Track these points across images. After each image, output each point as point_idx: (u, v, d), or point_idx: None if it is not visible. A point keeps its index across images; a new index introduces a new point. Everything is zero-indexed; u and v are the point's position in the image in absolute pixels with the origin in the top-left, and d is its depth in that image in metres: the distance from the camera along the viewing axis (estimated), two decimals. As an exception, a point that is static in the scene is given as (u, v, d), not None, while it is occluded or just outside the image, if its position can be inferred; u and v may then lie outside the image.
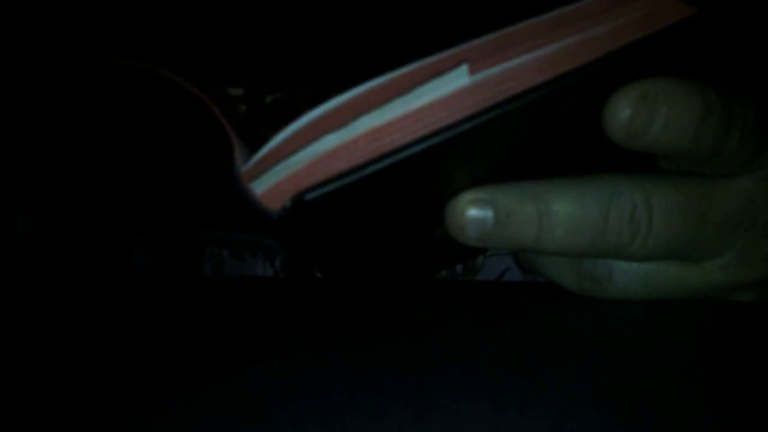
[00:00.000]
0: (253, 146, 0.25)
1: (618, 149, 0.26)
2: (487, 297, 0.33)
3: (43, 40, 0.36)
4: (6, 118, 0.30)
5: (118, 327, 0.28)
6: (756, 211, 0.28)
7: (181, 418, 0.19)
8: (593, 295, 0.29)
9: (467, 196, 0.27)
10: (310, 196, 0.24)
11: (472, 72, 0.25)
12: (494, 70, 0.25)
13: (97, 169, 0.30)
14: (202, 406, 0.20)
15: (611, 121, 0.26)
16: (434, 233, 0.29)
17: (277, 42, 0.36)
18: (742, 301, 0.29)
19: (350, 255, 0.29)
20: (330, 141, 0.24)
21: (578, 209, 0.27)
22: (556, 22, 0.25)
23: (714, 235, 0.28)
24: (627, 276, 0.29)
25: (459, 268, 0.37)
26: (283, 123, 0.25)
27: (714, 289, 0.29)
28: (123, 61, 0.26)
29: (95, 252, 0.37)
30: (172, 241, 0.37)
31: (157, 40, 0.36)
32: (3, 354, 0.24)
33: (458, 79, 0.24)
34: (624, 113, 0.26)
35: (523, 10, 0.25)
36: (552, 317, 0.29)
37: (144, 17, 0.36)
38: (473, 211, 0.27)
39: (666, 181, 0.28)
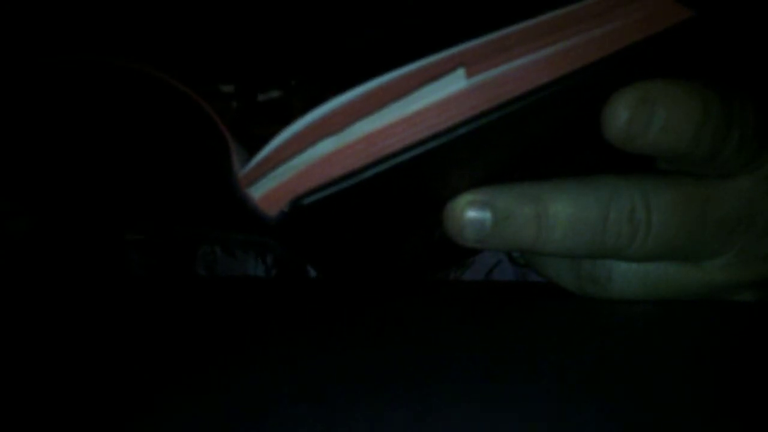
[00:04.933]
0: (246, 144, 0.25)
1: (617, 151, 0.26)
2: (485, 297, 0.33)
3: (39, 39, 0.36)
4: (6, 118, 0.30)
5: (113, 326, 0.28)
6: (755, 211, 0.28)
7: (176, 418, 0.19)
8: (593, 296, 0.29)
9: (466, 197, 0.27)
10: (307, 200, 0.24)
11: (469, 75, 0.24)
12: (492, 73, 0.25)
13: (96, 170, 0.30)
14: (197, 406, 0.20)
15: (609, 124, 0.26)
16: (433, 234, 0.29)
17: (270, 39, 0.36)
18: (742, 301, 0.29)
19: (349, 256, 0.29)
20: (326, 146, 0.24)
21: (577, 210, 0.27)
22: (554, 24, 0.25)
23: (713, 236, 0.28)
24: (626, 277, 0.29)
25: (454, 265, 0.37)
26: (276, 122, 0.25)
27: (714, 289, 0.29)
28: (123, 63, 0.26)
29: (93, 252, 0.37)
30: (169, 239, 0.37)
31: (149, 35, 0.36)
32: (2, 354, 0.25)
33: (455, 82, 0.24)
34: (622, 116, 0.25)
35: (521, 12, 0.25)
36: (551, 317, 0.29)
37: (136, 12, 0.36)
38: (472, 213, 0.27)
39: (665, 181, 0.27)
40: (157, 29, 0.35)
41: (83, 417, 0.19)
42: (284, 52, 0.36)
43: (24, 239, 0.34)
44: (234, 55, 0.36)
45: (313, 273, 0.37)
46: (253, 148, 0.25)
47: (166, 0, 0.35)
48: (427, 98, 0.24)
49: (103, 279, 0.37)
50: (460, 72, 0.24)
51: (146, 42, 0.35)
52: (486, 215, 0.27)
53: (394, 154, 0.24)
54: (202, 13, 0.35)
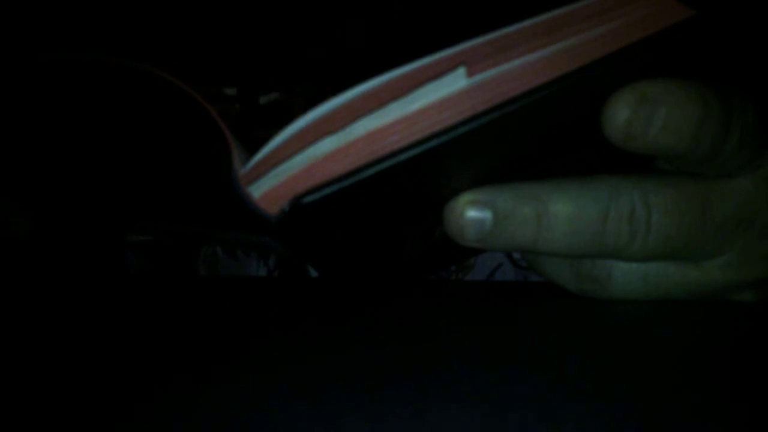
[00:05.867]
0: (247, 147, 0.25)
1: (617, 150, 0.26)
2: (485, 297, 0.33)
3: (42, 40, 0.36)
4: (6, 118, 0.30)
5: (114, 326, 0.28)
6: (755, 211, 0.28)
7: (177, 418, 0.19)
8: (593, 296, 0.29)
9: (466, 197, 0.27)
10: (308, 199, 0.24)
11: (469, 74, 0.24)
12: (492, 72, 0.25)
13: (96, 170, 0.30)
14: (197, 407, 0.20)
15: (610, 123, 0.26)
16: (434, 233, 0.29)
17: (271, 41, 0.36)
18: (742, 301, 0.29)
19: (350, 255, 0.29)
20: (327, 144, 0.24)
21: (577, 210, 0.27)
22: (555, 23, 0.25)
23: (713, 236, 0.28)
24: (626, 276, 0.29)
25: (454, 265, 0.37)
26: (277, 124, 0.25)
27: (714, 289, 0.29)
28: (123, 62, 0.26)
29: (93, 252, 0.37)
30: (169, 239, 0.37)
31: (152, 39, 0.36)
32: (2, 354, 0.25)
33: (456, 81, 0.24)
34: (622, 115, 0.25)
35: (521, 11, 0.25)
36: (551, 317, 0.29)
37: (139, 16, 0.36)
38: (472, 213, 0.27)
39: (665, 181, 0.27)
40: (162, 32, 0.35)
41: (84, 417, 0.19)
42: (286, 54, 0.36)
43: (25, 240, 0.34)
44: (237, 58, 0.36)
45: (314, 273, 0.37)
46: (254, 151, 0.25)
47: (171, 3, 0.35)
48: (427, 97, 0.24)
49: (104, 279, 0.37)
50: (461, 71, 0.24)
51: (151, 44, 0.35)
52: (486, 215, 0.27)
53: (395, 153, 0.24)
54: (206, 17, 0.36)
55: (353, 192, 0.25)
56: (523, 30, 0.25)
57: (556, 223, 0.27)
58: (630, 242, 0.27)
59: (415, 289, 0.33)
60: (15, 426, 0.19)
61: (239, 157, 0.25)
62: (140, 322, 0.28)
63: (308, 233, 0.26)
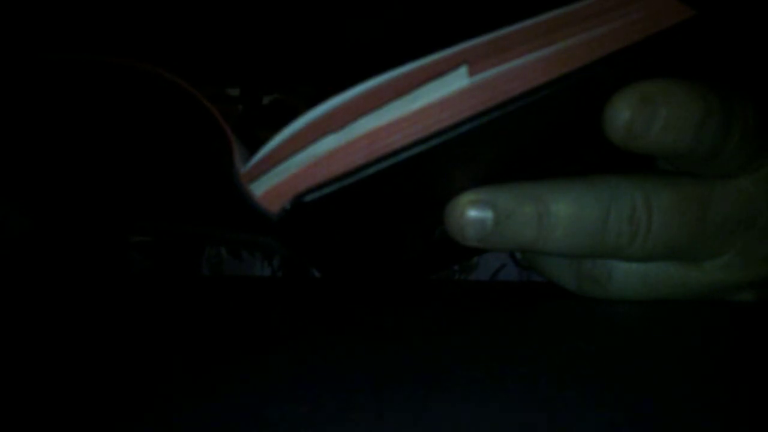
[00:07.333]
0: (250, 147, 0.25)
1: (618, 150, 0.26)
2: (486, 297, 0.33)
3: (43, 40, 0.36)
4: (6, 118, 0.30)
5: (116, 327, 0.28)
6: (755, 211, 0.28)
7: (179, 418, 0.19)
8: (593, 296, 0.29)
9: (467, 197, 0.27)
10: (309, 197, 0.24)
11: (471, 73, 0.25)
12: (494, 71, 0.25)
13: (97, 169, 0.30)
14: (199, 407, 0.20)
15: (611, 123, 0.26)
16: (434, 233, 0.29)
17: (274, 41, 0.36)
18: (742, 301, 0.29)
19: (350, 255, 0.29)
20: (329, 143, 0.24)
21: (578, 210, 0.27)
22: (557, 23, 0.25)
23: (713, 236, 0.28)
24: (626, 276, 0.29)
25: (455, 265, 0.37)
26: (280, 124, 0.25)
27: (714, 289, 0.29)
28: (124, 62, 0.26)
29: (94, 252, 0.37)
30: (171, 240, 0.37)
31: (155, 39, 0.36)
32: (2, 354, 0.24)
33: (458, 80, 0.24)
34: (624, 115, 0.25)
35: (523, 11, 0.25)
36: (551, 317, 0.29)
37: (142, 16, 0.36)
38: (473, 212, 0.27)
39: (665, 181, 0.28)
40: (165, 33, 0.35)
41: (85, 417, 0.19)
42: (288, 54, 0.36)
43: (24, 239, 0.34)
44: (239, 58, 0.36)
45: (317, 273, 0.37)
46: (256, 151, 0.25)
47: (174, 4, 0.35)
48: (429, 96, 0.24)
49: (104, 279, 0.37)
50: (463, 70, 0.24)
51: (154, 45, 0.35)
52: (487, 214, 0.27)
53: (396, 152, 0.24)
54: (209, 17, 0.36)
55: (354, 191, 0.25)
56: (524, 29, 0.25)
57: (557, 222, 0.27)
58: (630, 242, 0.27)
59: (418, 289, 0.33)
60: (15, 426, 0.19)
61: (240, 156, 0.25)
62: (140, 322, 0.28)
63: (309, 232, 0.26)
